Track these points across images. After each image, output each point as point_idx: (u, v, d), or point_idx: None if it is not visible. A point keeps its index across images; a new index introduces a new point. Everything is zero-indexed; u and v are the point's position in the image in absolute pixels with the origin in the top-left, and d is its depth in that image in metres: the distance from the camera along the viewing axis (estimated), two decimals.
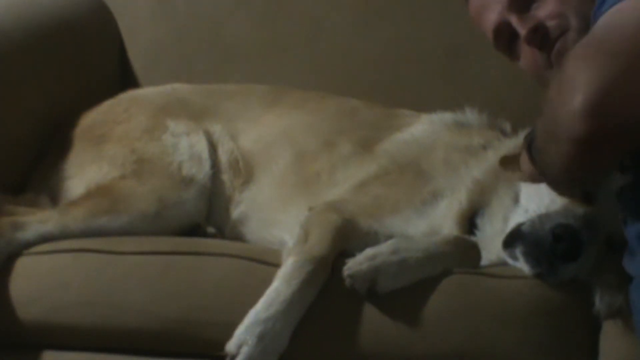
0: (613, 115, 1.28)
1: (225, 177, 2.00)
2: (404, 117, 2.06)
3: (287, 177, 1.97)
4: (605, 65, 1.28)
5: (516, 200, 1.75)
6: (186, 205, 1.92)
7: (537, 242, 1.62)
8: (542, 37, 1.70)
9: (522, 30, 1.71)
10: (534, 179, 1.61)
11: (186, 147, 1.98)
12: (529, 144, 1.57)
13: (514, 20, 1.72)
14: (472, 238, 1.77)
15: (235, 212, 1.98)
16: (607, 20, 1.35)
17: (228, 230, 1.97)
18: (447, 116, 2.01)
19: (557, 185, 1.56)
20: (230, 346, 1.59)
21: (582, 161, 1.34)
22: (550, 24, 1.69)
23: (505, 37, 1.76)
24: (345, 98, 2.16)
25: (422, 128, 2.00)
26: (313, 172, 1.96)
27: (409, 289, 1.65)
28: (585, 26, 1.51)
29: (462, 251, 1.72)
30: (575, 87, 1.29)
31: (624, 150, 1.36)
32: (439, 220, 1.80)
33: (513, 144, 1.88)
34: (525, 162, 1.62)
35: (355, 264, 1.64)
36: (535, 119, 1.49)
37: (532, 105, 1.74)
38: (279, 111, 2.09)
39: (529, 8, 1.71)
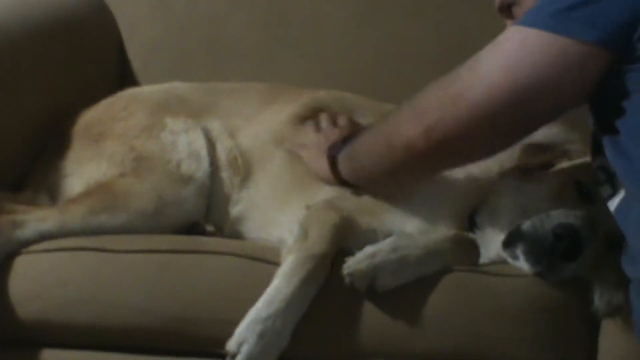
0: (442, 143, 1.55)
1: (224, 174, 2.00)
2: None
3: (285, 175, 1.97)
4: (446, 102, 1.53)
5: (515, 199, 1.76)
6: (185, 203, 1.92)
7: (538, 241, 1.63)
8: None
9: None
10: (325, 179, 1.85)
11: (185, 144, 1.97)
12: (336, 153, 1.81)
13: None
14: (471, 236, 1.77)
15: (234, 210, 1.97)
16: (481, 53, 1.54)
17: (227, 228, 1.97)
18: None
19: (369, 184, 1.80)
20: (231, 344, 1.59)
21: (407, 168, 1.65)
22: None
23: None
24: (342, 93, 2.16)
25: None
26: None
27: (408, 287, 1.65)
28: None
29: (461, 249, 1.72)
30: (424, 109, 1.57)
31: (447, 168, 1.71)
32: (438, 218, 1.80)
33: None
34: (319, 165, 1.86)
35: (354, 262, 1.65)
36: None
37: None
38: (278, 108, 2.08)
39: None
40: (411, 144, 1.59)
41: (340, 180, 1.83)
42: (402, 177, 1.72)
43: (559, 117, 1.56)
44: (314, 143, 1.93)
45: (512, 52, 1.48)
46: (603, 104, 1.51)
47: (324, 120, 1.99)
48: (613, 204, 1.55)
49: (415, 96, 1.62)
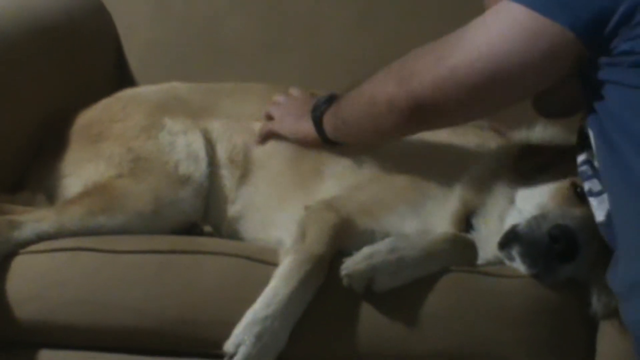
0: (419, 104, 1.62)
1: (223, 175, 1.99)
2: None
3: (284, 176, 1.97)
4: (429, 64, 1.61)
5: (511, 200, 1.76)
6: (183, 204, 1.92)
7: (534, 243, 1.63)
8: None
9: None
10: (306, 139, 1.92)
11: (183, 145, 1.97)
12: (322, 112, 1.86)
13: None
14: (469, 237, 1.78)
15: (233, 210, 1.97)
16: (472, 23, 1.61)
17: (225, 229, 1.97)
18: None
19: (352, 141, 1.88)
20: (228, 345, 1.59)
21: (388, 124, 1.69)
22: None
23: None
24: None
25: None
26: (311, 171, 1.96)
27: (406, 288, 1.66)
28: None
29: (459, 249, 1.72)
30: (408, 69, 1.64)
31: (425, 129, 1.77)
32: (435, 219, 1.80)
33: (508, 143, 1.89)
34: (300, 127, 1.91)
35: (352, 263, 1.65)
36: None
37: (526, 104, 1.76)
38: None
39: None
40: (392, 100, 1.65)
41: (324, 139, 1.88)
42: (382, 133, 1.77)
43: (532, 94, 1.67)
44: (289, 108, 1.97)
45: (496, 26, 1.56)
46: (589, 95, 1.54)
47: (282, 96, 2.03)
48: (603, 202, 1.56)
49: (403, 58, 1.69)
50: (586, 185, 1.61)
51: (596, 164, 1.58)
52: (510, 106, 1.64)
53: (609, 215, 1.55)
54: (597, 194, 1.58)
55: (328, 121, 1.86)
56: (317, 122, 1.88)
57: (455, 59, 1.57)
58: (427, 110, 1.63)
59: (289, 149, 1.99)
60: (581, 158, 1.63)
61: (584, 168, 1.62)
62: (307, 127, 1.90)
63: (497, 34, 1.55)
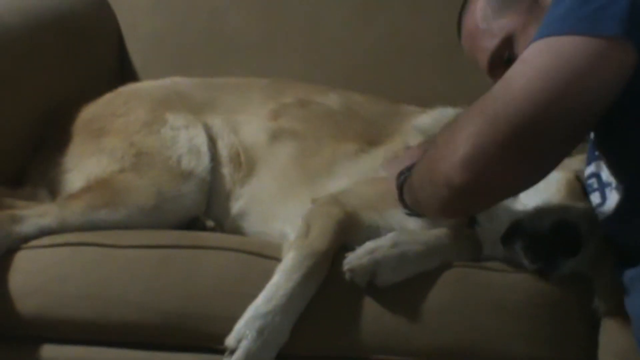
0: (482, 173, 1.41)
1: (225, 170, 2.00)
2: (408, 113, 2.07)
3: (288, 171, 1.97)
4: (483, 127, 1.39)
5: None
6: (185, 198, 1.92)
7: (537, 238, 1.61)
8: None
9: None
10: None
11: (185, 140, 1.98)
12: (402, 182, 1.70)
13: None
14: (471, 231, 1.77)
15: (236, 206, 1.98)
16: (510, 73, 1.42)
17: (228, 224, 1.97)
18: (449, 111, 2.01)
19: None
20: (230, 340, 1.59)
21: (454, 205, 1.52)
22: None
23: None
24: (348, 92, 2.16)
25: (424, 122, 2.01)
26: (315, 166, 1.96)
27: (408, 282, 1.65)
28: None
29: (461, 244, 1.72)
30: (459, 139, 1.42)
31: (494, 201, 1.57)
32: None
33: None
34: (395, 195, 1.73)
35: (355, 258, 1.64)
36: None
37: None
38: (281, 104, 2.08)
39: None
40: (449, 180, 1.45)
41: (411, 211, 1.74)
42: (450, 214, 1.64)
43: (596, 119, 1.45)
44: (396, 164, 1.82)
45: (548, 63, 1.39)
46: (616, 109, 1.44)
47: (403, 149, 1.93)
48: (602, 214, 1.55)
49: (448, 126, 1.52)
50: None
51: (603, 175, 1.55)
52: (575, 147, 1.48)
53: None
54: (596, 207, 1.57)
55: (407, 195, 1.71)
56: (400, 192, 1.72)
57: (517, 111, 1.37)
58: (491, 182, 1.44)
59: (294, 148, 1.99)
60: (588, 171, 1.61)
61: (590, 181, 1.60)
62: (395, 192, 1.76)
63: (555, 71, 1.37)
